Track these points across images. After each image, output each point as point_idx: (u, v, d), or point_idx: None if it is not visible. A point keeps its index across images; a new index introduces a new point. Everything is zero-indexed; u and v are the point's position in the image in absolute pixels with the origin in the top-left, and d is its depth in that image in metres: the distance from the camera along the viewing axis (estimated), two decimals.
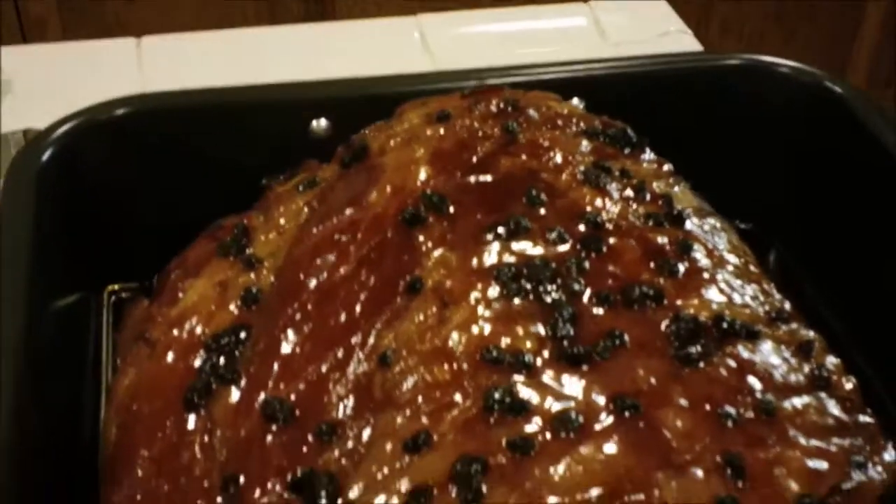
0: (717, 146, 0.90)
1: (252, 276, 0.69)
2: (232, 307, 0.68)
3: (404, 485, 0.55)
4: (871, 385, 0.69)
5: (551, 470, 0.55)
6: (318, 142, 0.86)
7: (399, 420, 0.58)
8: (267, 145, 0.86)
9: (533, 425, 0.56)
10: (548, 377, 0.59)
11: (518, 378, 0.58)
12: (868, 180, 0.86)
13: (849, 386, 0.64)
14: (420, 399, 0.58)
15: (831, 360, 0.65)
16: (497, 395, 0.57)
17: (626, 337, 0.61)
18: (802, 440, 0.59)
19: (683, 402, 0.59)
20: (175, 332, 0.67)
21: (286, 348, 0.64)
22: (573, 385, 0.59)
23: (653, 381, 0.59)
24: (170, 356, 0.66)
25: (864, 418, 0.63)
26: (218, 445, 0.61)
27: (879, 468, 0.60)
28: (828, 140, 0.89)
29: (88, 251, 0.84)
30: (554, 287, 0.63)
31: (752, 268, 0.71)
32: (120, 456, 0.64)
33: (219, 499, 0.59)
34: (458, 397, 0.58)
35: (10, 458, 0.61)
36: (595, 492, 0.54)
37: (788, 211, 0.93)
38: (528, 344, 0.60)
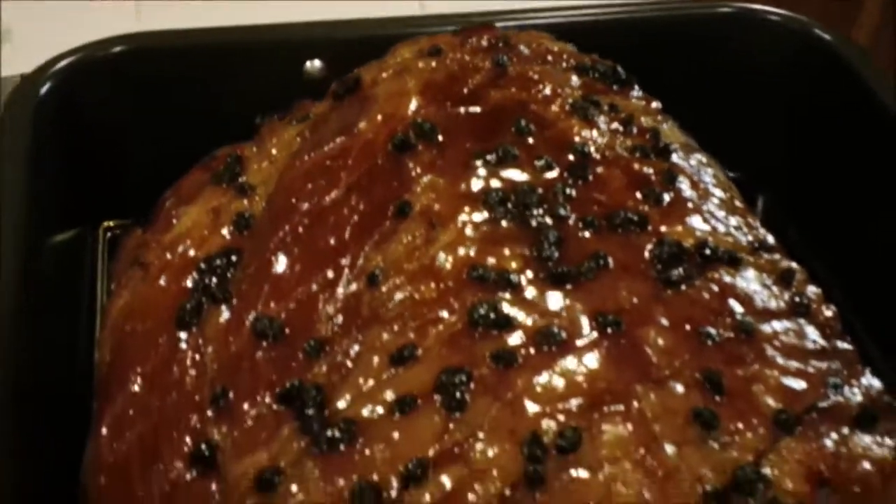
0: (705, 93, 0.91)
1: (245, 202, 0.70)
2: (224, 232, 0.69)
3: (389, 395, 0.57)
4: (852, 328, 0.70)
5: (533, 381, 0.56)
6: (313, 83, 0.87)
7: (385, 335, 0.59)
8: (262, 86, 0.87)
9: (516, 339, 0.58)
10: (532, 294, 0.60)
11: (503, 295, 0.59)
12: (856, 128, 0.87)
13: (828, 313, 0.65)
14: (407, 315, 0.60)
15: (812, 289, 0.66)
16: (482, 311, 0.58)
17: (610, 259, 0.62)
18: (781, 360, 0.60)
19: (664, 321, 0.60)
20: (168, 255, 0.68)
21: (277, 269, 0.65)
22: (557, 302, 0.60)
23: (635, 300, 0.60)
24: (163, 278, 0.67)
25: (843, 345, 0.64)
26: (209, 362, 0.62)
27: (856, 390, 0.61)
28: (817, 88, 0.90)
29: (84, 187, 0.85)
30: (540, 212, 0.64)
31: (737, 203, 0.72)
32: (114, 374, 0.65)
33: (209, 412, 0.60)
34: (443, 313, 0.59)
35: (8, 392, 0.62)
36: (575, 402, 0.55)
37: (776, 159, 0.94)
38: (514, 264, 0.61)
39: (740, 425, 0.56)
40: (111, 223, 0.88)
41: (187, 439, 0.59)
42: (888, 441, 0.59)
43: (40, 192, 0.77)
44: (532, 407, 0.55)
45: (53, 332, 0.74)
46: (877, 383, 0.62)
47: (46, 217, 0.78)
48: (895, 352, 0.80)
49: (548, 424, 0.54)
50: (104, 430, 0.62)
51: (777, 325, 0.62)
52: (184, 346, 0.64)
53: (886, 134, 0.84)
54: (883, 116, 0.84)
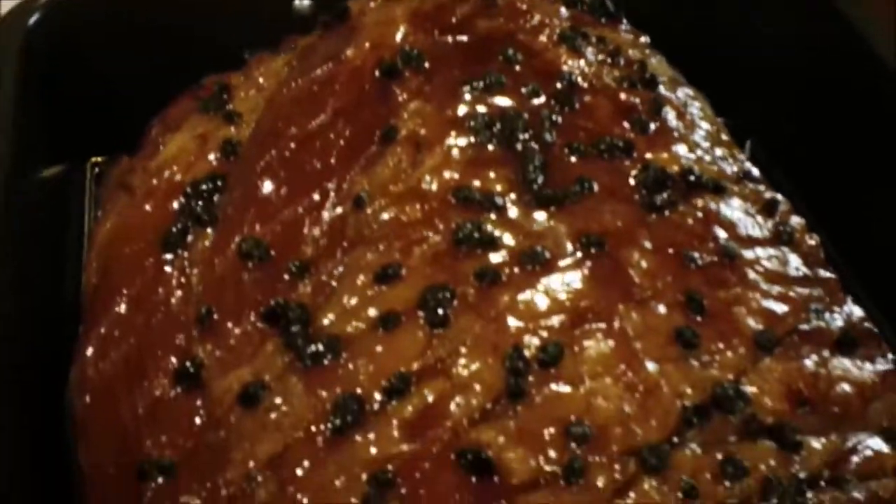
0: (693, 38, 0.91)
1: (231, 129, 0.70)
2: (211, 157, 0.68)
3: (373, 312, 0.57)
4: (836, 267, 0.70)
5: (517, 298, 0.56)
6: (301, 20, 0.86)
7: (370, 255, 0.59)
8: (251, 24, 0.87)
9: (500, 258, 0.58)
10: (516, 216, 0.60)
11: (488, 216, 0.60)
12: (845, 75, 0.87)
13: (811, 242, 0.65)
14: (391, 235, 0.60)
15: (795, 220, 0.66)
16: (466, 230, 0.58)
17: (595, 184, 0.62)
18: (763, 284, 0.60)
19: (648, 244, 0.60)
20: (154, 180, 0.68)
21: (263, 193, 0.65)
22: (541, 224, 0.60)
23: (619, 224, 0.61)
24: (149, 202, 0.67)
25: (825, 273, 0.64)
26: (194, 283, 0.62)
27: (837, 316, 0.61)
28: (806, 35, 0.90)
29: (72, 122, 0.85)
30: (526, 137, 0.64)
31: (723, 136, 0.72)
32: (99, 297, 0.65)
33: (194, 331, 0.60)
34: (428, 233, 0.59)
35: None
36: (558, 319, 0.56)
37: (764, 105, 0.94)
38: (499, 187, 0.61)
39: (721, 345, 0.57)
40: (99, 159, 0.88)
41: (172, 358, 0.59)
42: (868, 365, 0.59)
43: (27, 125, 0.76)
44: (515, 323, 0.55)
45: (40, 264, 0.74)
46: (858, 311, 0.63)
47: (34, 150, 0.78)
48: (877, 290, 0.80)
49: (530, 340, 0.55)
50: (89, 351, 0.62)
51: (760, 252, 0.62)
52: (169, 268, 0.64)
53: (875, 80, 0.84)
54: (872, 62, 0.84)
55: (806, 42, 0.90)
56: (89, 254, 0.68)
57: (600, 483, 0.51)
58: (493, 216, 0.60)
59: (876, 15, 0.90)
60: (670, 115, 0.69)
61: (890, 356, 0.61)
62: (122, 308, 0.63)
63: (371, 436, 0.52)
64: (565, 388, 0.53)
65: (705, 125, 0.71)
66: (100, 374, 0.61)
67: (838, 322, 0.61)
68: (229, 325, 0.59)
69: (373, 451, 0.52)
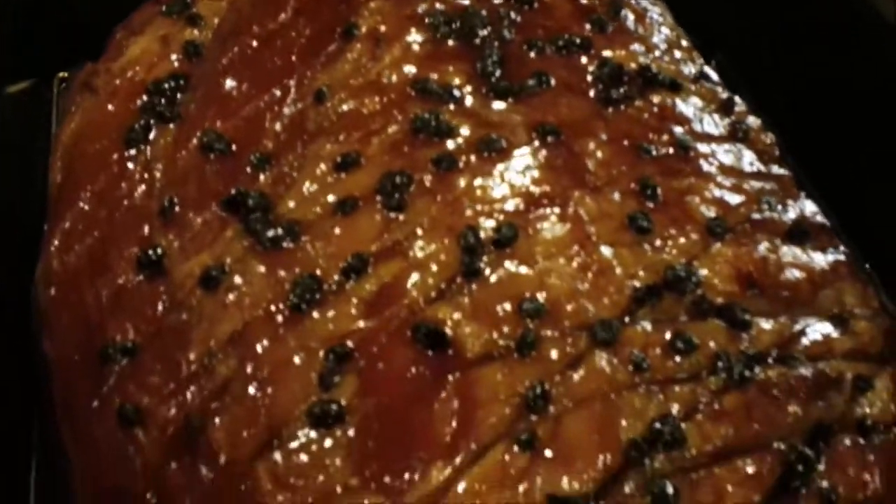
0: None
1: (195, 31, 0.70)
2: (173, 58, 0.69)
3: (332, 198, 0.57)
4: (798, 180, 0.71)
5: (473, 183, 0.57)
6: None
7: (329, 146, 0.60)
8: None
9: (457, 146, 0.58)
10: (474, 106, 0.61)
11: (445, 107, 0.60)
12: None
13: (767, 140, 0.66)
14: (351, 126, 0.60)
15: (751, 119, 0.67)
16: (424, 119, 0.59)
17: (552, 78, 0.63)
18: (717, 176, 0.61)
19: (604, 136, 0.61)
20: (117, 81, 0.68)
21: (224, 90, 0.65)
22: (498, 114, 0.60)
23: (575, 116, 0.61)
24: (112, 101, 0.67)
25: (780, 170, 0.65)
26: (158, 177, 0.63)
27: (790, 209, 0.62)
28: None
29: (39, 38, 0.85)
30: (485, 33, 0.64)
31: (683, 42, 0.72)
32: (64, 193, 0.65)
33: (157, 222, 0.61)
34: (386, 123, 0.60)
35: None
36: (513, 203, 0.56)
37: (729, 23, 0.94)
38: (457, 80, 0.62)
39: (673, 231, 0.57)
40: (65, 74, 0.87)
41: (135, 248, 0.60)
42: (819, 255, 0.60)
43: None
44: (470, 206, 0.56)
45: (9, 174, 0.74)
46: (811, 205, 0.63)
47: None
48: (835, 201, 0.81)
49: (485, 222, 0.55)
50: (54, 245, 0.63)
51: (715, 147, 0.63)
52: (132, 164, 0.64)
53: (846, 4, 0.84)
54: None
55: None
56: (54, 154, 0.68)
57: (553, 355, 0.52)
58: (450, 107, 0.60)
59: None
60: (629, 17, 0.69)
61: (842, 248, 0.62)
62: (86, 203, 0.63)
63: (329, 313, 0.53)
64: (519, 268, 0.54)
65: (664, 30, 0.71)
66: (64, 267, 0.62)
67: (791, 214, 0.61)
68: (191, 214, 0.60)
69: (331, 327, 0.53)
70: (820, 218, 0.63)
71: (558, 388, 0.51)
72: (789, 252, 0.59)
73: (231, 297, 0.55)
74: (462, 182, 0.57)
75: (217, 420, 0.52)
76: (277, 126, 0.62)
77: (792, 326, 0.56)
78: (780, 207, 0.62)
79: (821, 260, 0.60)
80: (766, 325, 0.56)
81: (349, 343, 0.52)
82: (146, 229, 0.60)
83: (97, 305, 0.59)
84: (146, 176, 0.63)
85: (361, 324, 0.53)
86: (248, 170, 0.61)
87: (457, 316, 0.52)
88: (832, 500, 0.51)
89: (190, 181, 0.61)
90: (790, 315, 0.57)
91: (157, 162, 0.63)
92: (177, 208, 0.61)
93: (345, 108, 0.61)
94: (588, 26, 0.67)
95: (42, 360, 0.61)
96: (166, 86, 0.67)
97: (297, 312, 0.53)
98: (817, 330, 0.57)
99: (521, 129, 0.60)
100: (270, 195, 0.59)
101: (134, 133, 0.65)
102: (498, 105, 0.61)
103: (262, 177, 0.60)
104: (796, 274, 0.59)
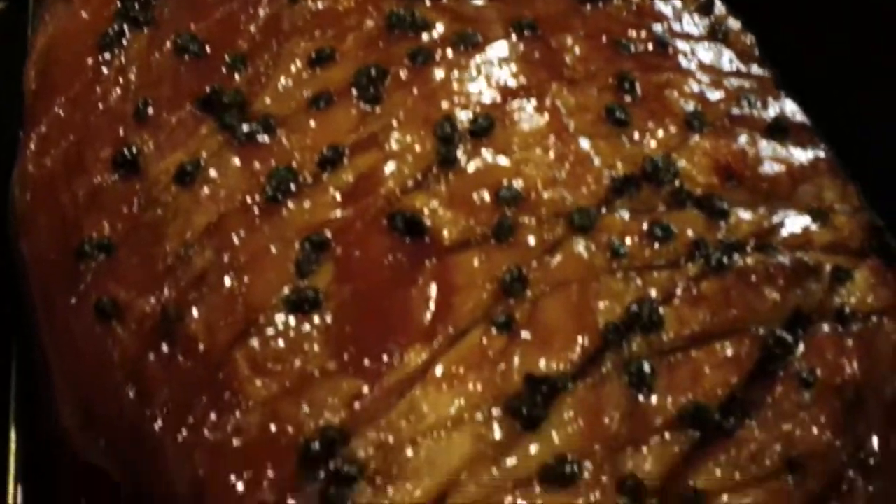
0: None
1: None
2: None
3: (307, 93, 0.57)
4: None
5: (449, 75, 0.56)
6: None
7: (304, 44, 0.59)
8: None
9: (433, 40, 0.58)
10: (450, 1, 0.60)
11: (421, 2, 0.59)
12: None
13: (747, 41, 0.66)
14: (325, 24, 0.59)
15: (731, 21, 0.66)
16: (399, 14, 0.58)
17: None
18: (696, 73, 0.61)
19: (581, 31, 0.60)
20: None
21: None
22: (475, 9, 0.60)
23: (553, 12, 0.61)
24: (86, 8, 0.66)
25: (760, 70, 0.64)
26: (132, 79, 0.62)
27: (770, 107, 0.61)
28: None
29: None
30: None
31: None
32: (39, 100, 0.65)
33: (132, 123, 0.60)
34: (361, 20, 0.59)
35: None
36: (489, 94, 0.56)
37: None
38: None
39: (651, 123, 0.57)
40: None
41: (110, 149, 0.59)
42: (799, 150, 0.60)
43: None
44: (447, 98, 0.55)
45: None
46: (792, 104, 0.63)
47: None
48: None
49: (462, 113, 0.55)
50: (30, 149, 0.62)
51: (694, 45, 0.63)
52: (107, 68, 0.63)
53: None
54: None
55: None
56: (29, 62, 0.67)
57: (530, 241, 0.51)
58: (426, 2, 0.59)
59: None
60: None
61: (822, 146, 0.61)
62: (62, 109, 0.63)
63: (306, 204, 0.53)
64: (496, 157, 0.54)
65: None
66: (40, 170, 0.61)
67: (771, 112, 0.61)
68: (165, 114, 0.59)
69: (307, 217, 0.52)
70: (800, 116, 0.62)
71: (535, 273, 0.50)
72: (769, 146, 0.59)
73: (206, 190, 0.54)
74: (438, 75, 0.56)
75: (194, 310, 0.51)
76: (252, 27, 0.61)
77: (771, 218, 0.56)
78: (759, 104, 0.61)
79: (801, 155, 0.60)
80: (744, 214, 0.55)
81: (326, 232, 0.52)
82: (121, 130, 0.59)
83: (73, 205, 0.58)
84: (121, 80, 0.62)
85: (338, 213, 0.52)
86: (224, 70, 0.60)
87: (434, 204, 0.52)
88: (809, 384, 0.51)
89: (164, 83, 0.60)
90: (769, 207, 0.56)
91: (132, 65, 0.62)
92: (151, 109, 0.60)
93: (319, 5, 0.60)
94: None
95: (21, 262, 0.60)
96: None
97: (273, 203, 0.53)
98: (796, 222, 0.56)
99: (498, 24, 0.59)
100: (246, 93, 0.58)
101: (108, 38, 0.64)
102: (474, 0, 0.60)
103: (237, 77, 0.59)
104: (775, 167, 0.58)
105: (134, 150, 0.58)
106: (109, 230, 0.56)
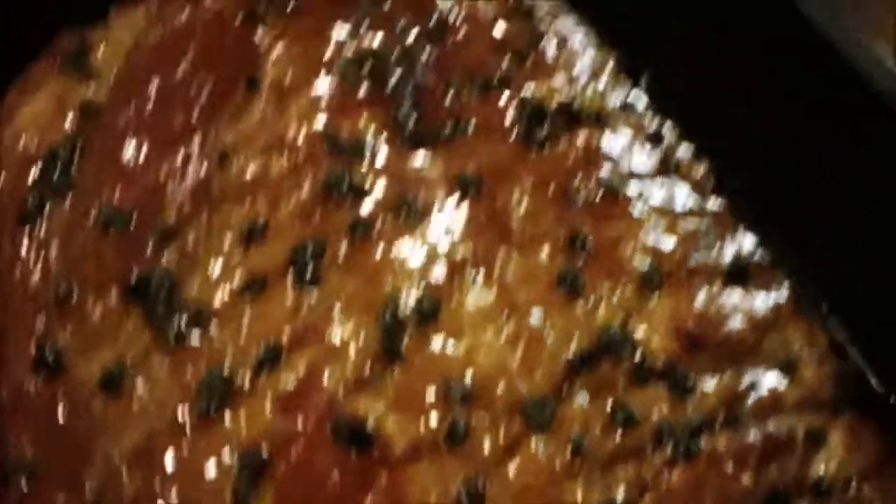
0: None
1: (91, 89, 0.62)
2: (69, 120, 0.61)
3: (240, 277, 0.50)
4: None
5: (390, 252, 0.50)
6: None
7: (236, 214, 0.53)
8: None
9: (372, 209, 0.52)
10: (389, 160, 0.53)
11: (358, 163, 0.53)
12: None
13: (700, 171, 0.60)
14: (258, 191, 0.53)
15: (683, 148, 0.61)
16: (337, 177, 0.52)
17: (471, 121, 0.56)
18: (649, 220, 0.55)
19: (528, 182, 0.54)
20: (10, 151, 0.60)
21: (123, 156, 0.57)
22: (415, 167, 0.53)
23: (497, 162, 0.54)
24: (4, 174, 0.59)
25: (715, 204, 0.59)
26: (53, 256, 0.55)
27: (727, 248, 0.56)
28: None
29: None
30: (397, 76, 0.57)
31: (607, 66, 0.65)
32: None
33: (54, 312, 0.53)
34: (296, 185, 0.53)
35: None
36: (434, 270, 0.50)
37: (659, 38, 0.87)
38: (371, 130, 0.55)
39: (607, 285, 0.51)
40: None
41: (32, 344, 0.52)
42: (762, 295, 0.54)
43: None
44: (389, 277, 0.49)
45: None
46: (750, 240, 0.57)
47: None
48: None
49: (406, 295, 0.49)
50: None
51: (646, 185, 0.57)
52: (27, 244, 0.56)
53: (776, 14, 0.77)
54: None
55: None
56: None
57: (485, 446, 0.45)
58: (364, 162, 0.53)
59: None
60: (549, 47, 0.62)
61: (786, 283, 0.56)
62: None
63: (242, 413, 0.46)
64: (444, 345, 0.48)
65: (588, 55, 0.64)
66: None
67: (728, 254, 0.55)
68: (90, 302, 0.52)
69: (244, 429, 0.46)
70: (759, 254, 0.57)
71: (493, 483, 0.44)
72: (730, 298, 0.53)
73: (135, 403, 0.48)
74: (378, 251, 0.50)
75: None
76: (180, 195, 0.55)
77: (738, 382, 0.50)
78: (717, 246, 0.55)
79: (763, 302, 0.54)
80: (710, 384, 0.50)
81: (265, 447, 0.45)
82: (43, 321, 0.53)
83: None
84: (42, 257, 0.56)
85: (278, 423, 0.46)
86: (150, 246, 0.53)
87: (379, 407, 0.46)
88: None
89: (88, 262, 0.54)
90: (735, 369, 0.51)
91: (53, 239, 0.56)
92: (74, 294, 0.53)
93: (251, 169, 0.54)
94: (506, 61, 0.60)
95: None
96: (61, 153, 0.59)
97: (206, 417, 0.46)
98: (764, 383, 0.51)
99: (440, 182, 0.53)
100: (175, 274, 0.52)
101: (27, 209, 0.57)
102: (414, 157, 0.54)
103: (165, 253, 0.53)
104: (738, 322, 0.52)
105: (56, 347, 0.51)
106: (32, 447, 0.49)
